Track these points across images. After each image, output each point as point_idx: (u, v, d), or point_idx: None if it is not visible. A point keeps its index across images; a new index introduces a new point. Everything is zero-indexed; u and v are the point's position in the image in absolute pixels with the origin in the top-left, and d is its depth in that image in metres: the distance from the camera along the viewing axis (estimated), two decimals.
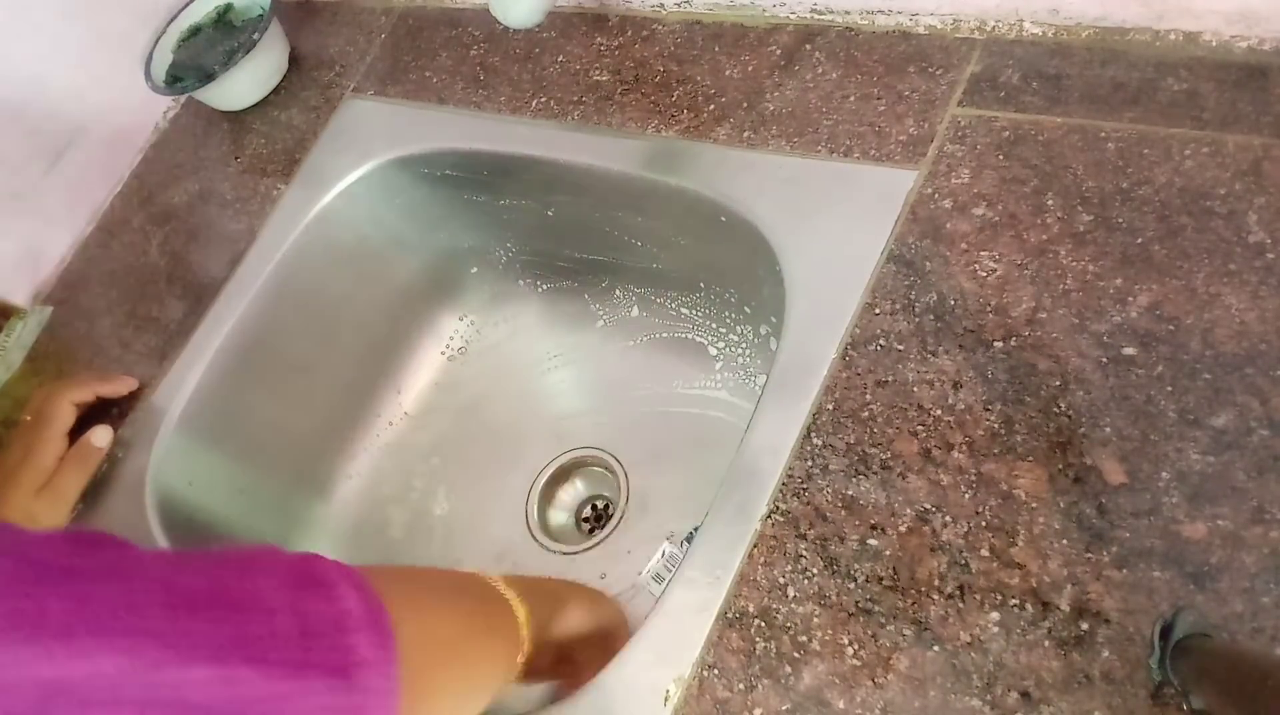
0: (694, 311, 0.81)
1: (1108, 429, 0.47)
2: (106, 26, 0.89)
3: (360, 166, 0.81)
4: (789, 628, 0.48)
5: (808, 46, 0.67)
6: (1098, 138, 0.54)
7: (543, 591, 0.57)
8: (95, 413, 0.79)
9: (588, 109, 0.72)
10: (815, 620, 0.48)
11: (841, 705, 0.45)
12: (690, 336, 0.82)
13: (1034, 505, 0.46)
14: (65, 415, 0.73)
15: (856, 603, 0.47)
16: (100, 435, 0.74)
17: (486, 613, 0.50)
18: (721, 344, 0.81)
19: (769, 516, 0.51)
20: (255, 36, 0.84)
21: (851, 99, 0.63)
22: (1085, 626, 0.43)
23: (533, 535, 0.80)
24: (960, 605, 0.45)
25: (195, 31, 0.91)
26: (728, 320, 0.79)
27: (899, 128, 0.60)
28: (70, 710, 0.26)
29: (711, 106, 0.67)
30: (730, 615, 0.50)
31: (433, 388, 0.92)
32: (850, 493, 0.50)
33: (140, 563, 0.32)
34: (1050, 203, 0.54)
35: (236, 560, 0.35)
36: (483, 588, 0.51)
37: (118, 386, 0.77)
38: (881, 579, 0.47)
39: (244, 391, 0.80)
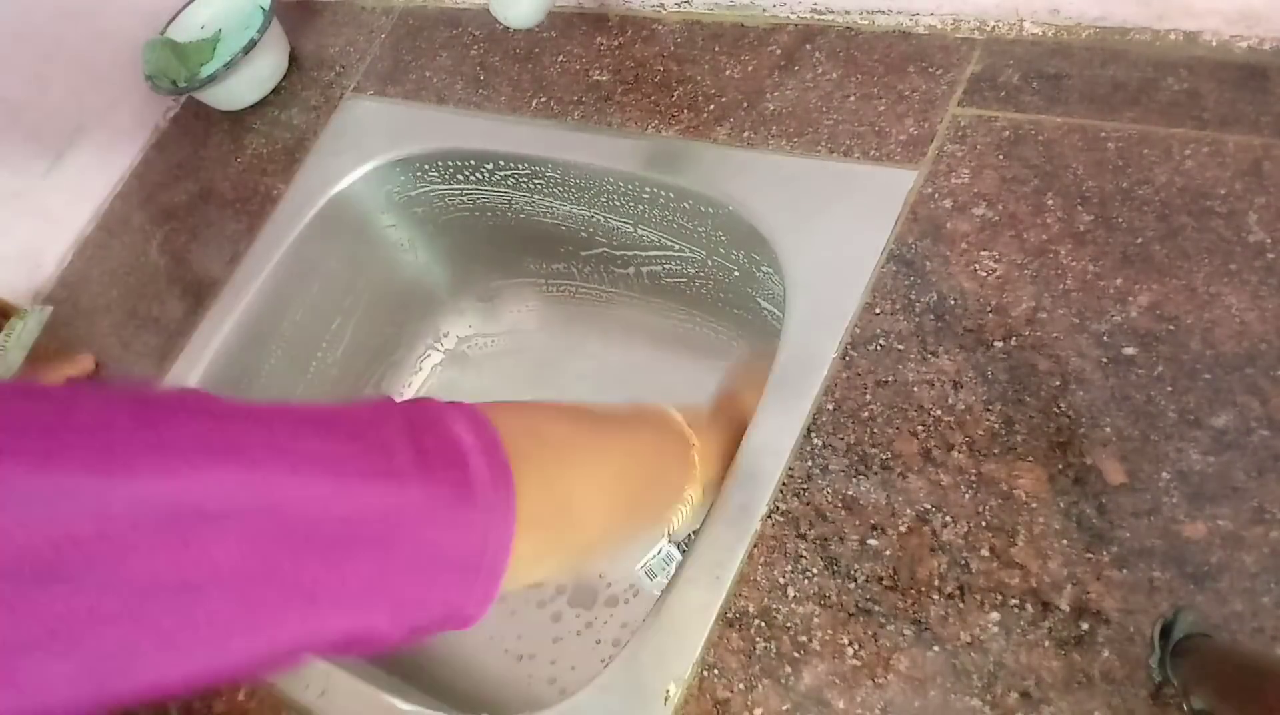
0: (694, 311, 0.81)
1: (1108, 429, 0.47)
2: (106, 27, 0.89)
3: (360, 166, 0.81)
4: (789, 628, 0.48)
5: (808, 46, 0.67)
6: (1098, 138, 0.54)
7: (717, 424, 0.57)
8: None
9: (588, 109, 0.72)
10: (815, 620, 0.48)
11: (841, 705, 0.45)
12: (690, 336, 0.82)
13: (1034, 505, 0.46)
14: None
15: (856, 603, 0.47)
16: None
17: (647, 442, 0.51)
18: (721, 344, 0.81)
19: (769, 516, 0.51)
20: (255, 36, 0.84)
21: (851, 99, 0.63)
22: (1085, 626, 0.43)
23: None
24: (960, 605, 0.45)
25: None
26: (727, 320, 0.79)
27: (899, 128, 0.60)
28: (194, 522, 0.27)
29: (711, 106, 0.67)
30: (730, 615, 0.50)
31: (433, 388, 0.92)
32: (850, 493, 0.50)
33: (268, 406, 0.33)
34: (1050, 203, 0.53)
35: (353, 409, 0.36)
36: (649, 422, 0.52)
37: (82, 365, 0.82)
38: (881, 579, 0.47)
39: (244, 392, 0.80)
